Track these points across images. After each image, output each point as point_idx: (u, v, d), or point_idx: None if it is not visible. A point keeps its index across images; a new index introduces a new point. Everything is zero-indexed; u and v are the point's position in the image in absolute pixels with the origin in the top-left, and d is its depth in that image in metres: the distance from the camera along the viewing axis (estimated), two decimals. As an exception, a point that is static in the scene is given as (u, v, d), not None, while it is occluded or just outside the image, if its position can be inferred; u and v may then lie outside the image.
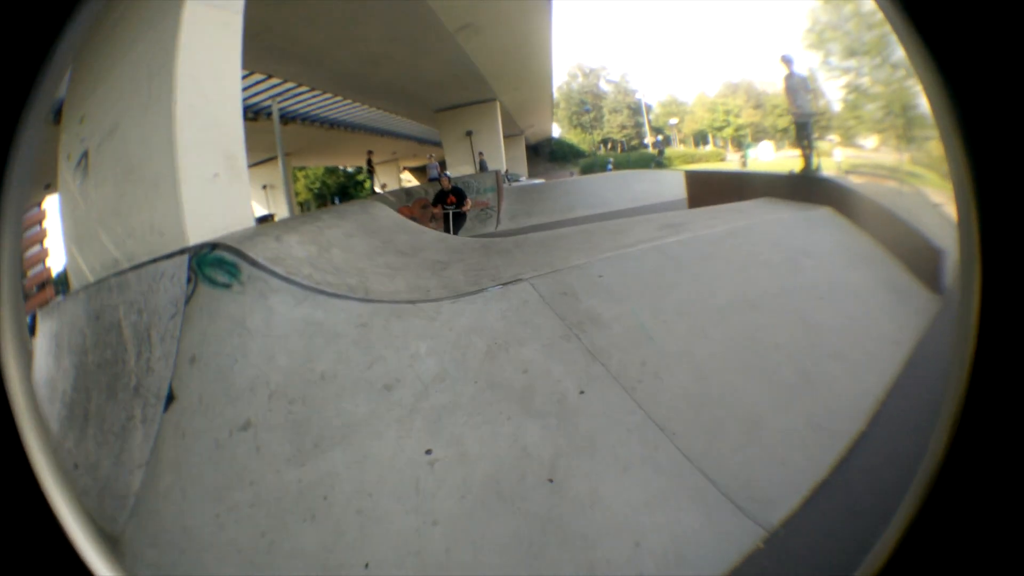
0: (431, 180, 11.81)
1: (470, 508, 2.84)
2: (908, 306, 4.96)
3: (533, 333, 3.66)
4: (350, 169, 16.26)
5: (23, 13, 1.22)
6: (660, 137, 12.93)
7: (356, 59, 10.34)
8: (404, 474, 2.94)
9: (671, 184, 8.79)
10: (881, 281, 5.31)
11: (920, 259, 5.52)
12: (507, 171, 12.54)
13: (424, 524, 2.79)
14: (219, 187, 4.51)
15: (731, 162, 11.29)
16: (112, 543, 3.02)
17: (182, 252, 3.81)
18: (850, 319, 4.53)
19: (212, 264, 3.63)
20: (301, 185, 15.10)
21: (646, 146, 12.89)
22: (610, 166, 12.41)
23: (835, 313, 4.51)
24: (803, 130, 7.26)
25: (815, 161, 7.24)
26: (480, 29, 10.24)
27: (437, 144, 13.62)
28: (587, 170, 14.16)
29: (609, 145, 14.62)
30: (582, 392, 3.35)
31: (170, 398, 3.32)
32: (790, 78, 7.39)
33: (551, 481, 2.93)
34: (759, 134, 11.45)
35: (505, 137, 13.54)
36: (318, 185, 15.76)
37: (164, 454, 3.23)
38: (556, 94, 15.15)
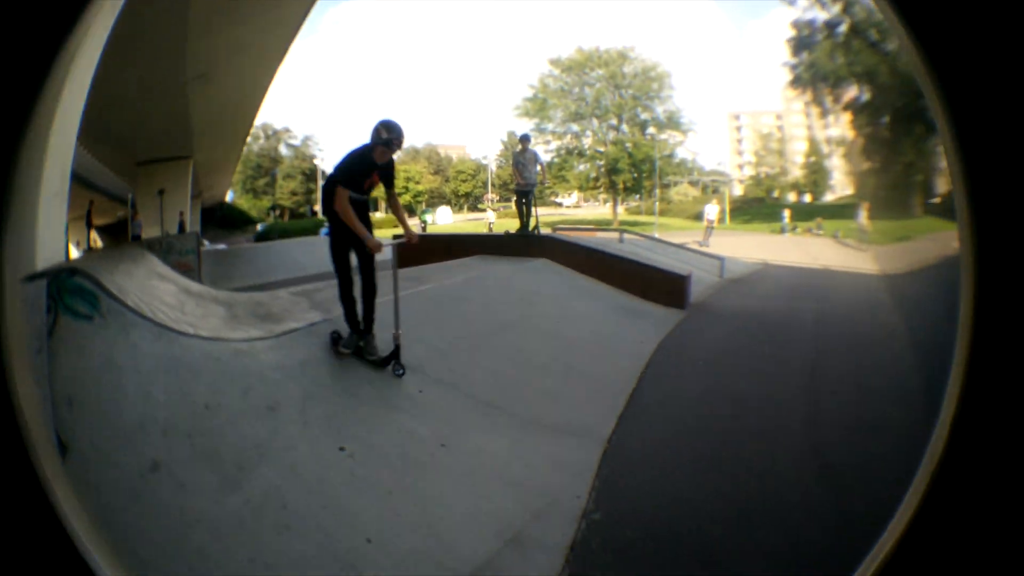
0: (135, 238, 11.01)
1: (399, 477, 3.51)
2: (645, 319, 7.11)
3: (353, 357, 4.53)
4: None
5: (28, 20, 1.27)
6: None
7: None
8: (336, 468, 3.44)
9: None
10: (611, 306, 7.34)
11: (658, 286, 7.79)
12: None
13: (380, 494, 3.35)
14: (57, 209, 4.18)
15: (412, 225, 12.28)
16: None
17: (41, 276, 3.21)
18: (587, 332, 6.51)
19: (72, 292, 3.31)
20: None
21: (314, 213, 12.89)
22: (326, 231, 12.67)
23: (573, 329, 6.37)
24: (524, 197, 8.51)
25: (532, 222, 8.60)
26: (211, 79, 9.98)
27: (123, 201, 12.66)
28: (263, 237, 13.91)
29: (278, 212, 14.37)
30: (420, 391, 4.48)
31: (63, 448, 2.96)
32: (521, 154, 8.52)
33: (443, 446, 3.91)
34: (435, 199, 12.35)
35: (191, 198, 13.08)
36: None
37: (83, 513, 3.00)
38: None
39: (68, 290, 3.24)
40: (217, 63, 9.59)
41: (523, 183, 8.49)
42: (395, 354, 4.55)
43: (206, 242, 13.16)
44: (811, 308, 8.05)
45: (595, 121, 11.34)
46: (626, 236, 10.49)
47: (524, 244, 8.45)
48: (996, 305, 1.22)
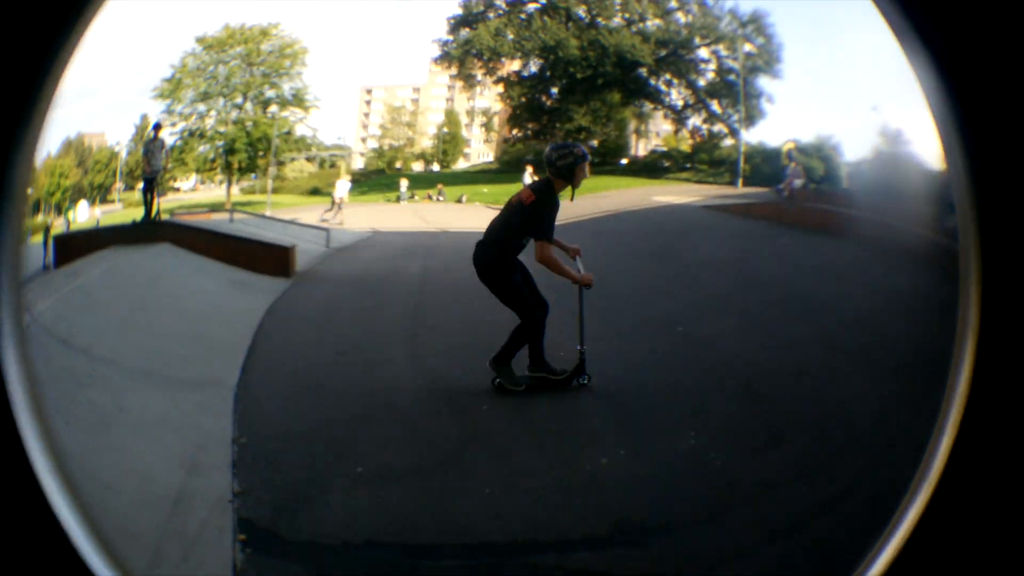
0: None
1: (96, 438, 4.35)
2: (253, 291, 7.95)
3: (51, 348, 5.38)
4: None
5: (25, 14, 1.27)
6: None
7: None
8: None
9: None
10: (224, 281, 8.15)
11: (266, 259, 8.56)
12: None
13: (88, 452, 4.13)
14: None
15: (59, 227, 10.95)
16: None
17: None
18: (208, 304, 7.59)
19: None
20: None
21: None
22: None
23: (195, 304, 7.43)
24: (149, 184, 8.82)
25: (153, 209, 8.96)
26: None
27: None
28: None
29: None
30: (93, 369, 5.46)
31: None
32: (152, 142, 8.78)
33: (120, 410, 4.97)
34: (76, 194, 11.31)
35: None
36: None
37: None
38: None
39: None
40: None
41: (150, 171, 8.84)
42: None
43: None
44: (417, 265, 9.31)
45: (221, 100, 11.16)
46: (236, 215, 10.77)
47: (150, 232, 8.87)
48: (1002, 302, 1.23)
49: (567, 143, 5.69)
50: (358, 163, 12.67)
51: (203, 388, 5.50)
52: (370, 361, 6.08)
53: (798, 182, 8.70)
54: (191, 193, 11.28)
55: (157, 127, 9.15)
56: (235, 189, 11.97)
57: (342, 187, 11.00)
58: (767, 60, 9.99)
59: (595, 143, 10.99)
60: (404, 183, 11.82)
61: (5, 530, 1.30)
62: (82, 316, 6.27)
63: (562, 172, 5.14)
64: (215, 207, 10.97)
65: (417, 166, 12.57)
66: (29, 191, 1.45)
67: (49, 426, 1.41)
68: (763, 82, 10.15)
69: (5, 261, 1.39)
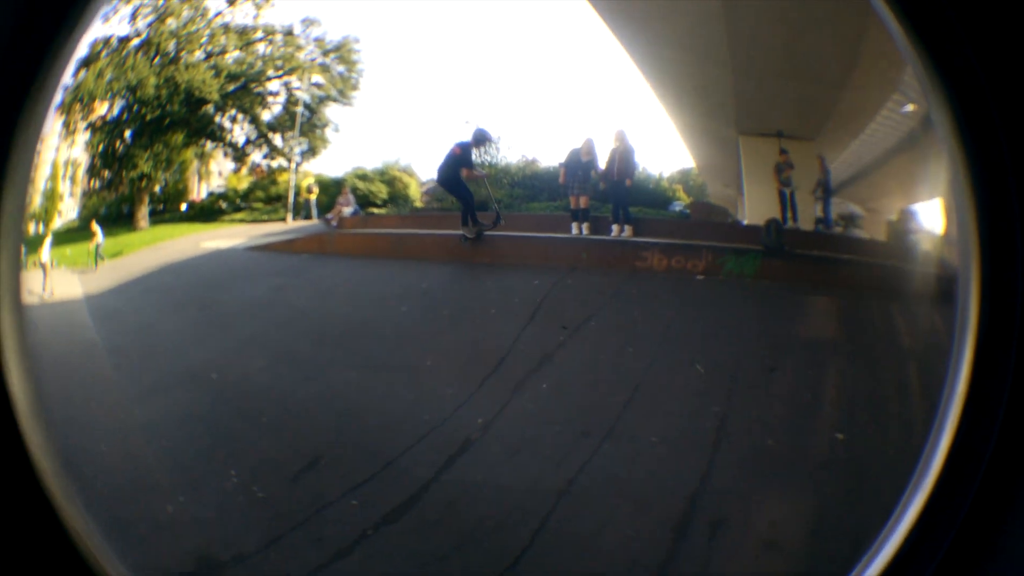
0: None
1: None
2: None
3: None
4: None
5: (24, 11, 1.28)
6: None
7: None
8: None
9: None
10: None
11: None
12: None
13: None
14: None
15: None
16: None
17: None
18: None
19: None
20: None
21: None
22: None
23: None
24: None
25: None
26: None
27: None
28: None
29: None
30: None
31: None
32: None
33: None
34: None
35: None
36: None
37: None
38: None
39: None
40: None
41: None
42: None
43: None
44: None
45: None
46: None
47: None
48: (1001, 302, 1.27)
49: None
50: None
51: None
52: None
53: (347, 209, 8.48)
54: None
55: None
56: None
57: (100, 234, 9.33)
58: (341, 89, 9.80)
59: (156, 189, 10.43)
60: None
61: (5, 530, 1.34)
62: None
63: None
64: None
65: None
66: (29, 188, 1.51)
67: (50, 425, 1.47)
68: (333, 111, 9.93)
69: (4, 259, 1.43)
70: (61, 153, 11.36)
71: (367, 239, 8.34)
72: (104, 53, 10.79)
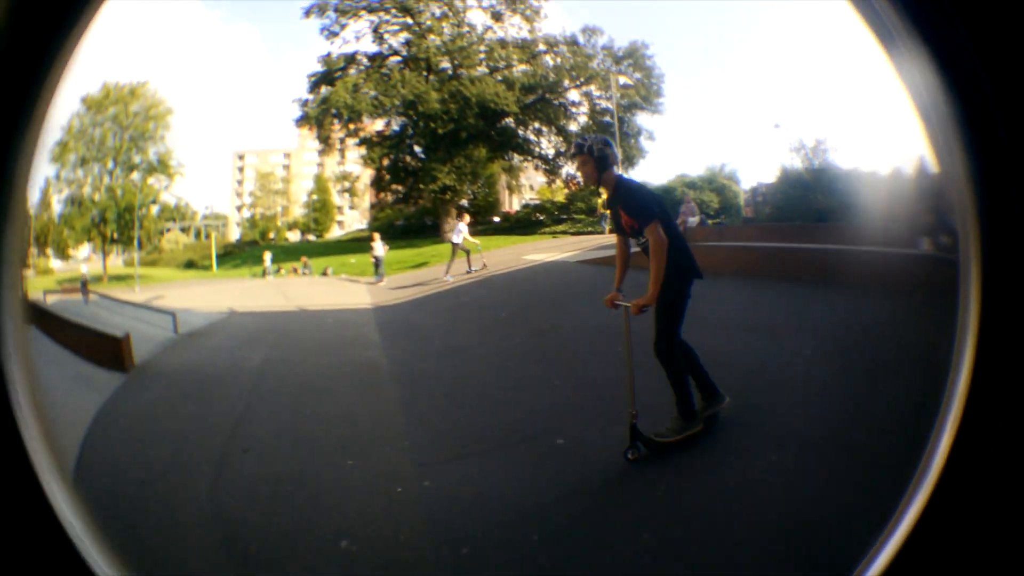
0: None
1: None
2: (88, 387, 7.01)
3: None
4: None
5: (24, 16, 1.29)
6: None
7: None
8: None
9: None
10: (71, 375, 7.20)
11: (101, 351, 7.72)
12: None
13: None
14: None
15: None
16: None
17: None
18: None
19: None
20: None
21: None
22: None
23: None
24: None
25: None
26: None
27: None
28: None
29: None
30: None
31: None
32: None
33: None
34: None
35: None
36: None
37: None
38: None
39: None
40: None
41: None
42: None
43: None
44: (259, 356, 8.40)
45: (96, 166, 10.64)
46: (91, 297, 10.25)
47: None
48: (1001, 303, 1.26)
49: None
50: (235, 233, 12.18)
51: None
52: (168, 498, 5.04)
53: (693, 219, 7.96)
54: (85, 263, 10.84)
55: None
56: (119, 260, 11.45)
57: (379, 247, 10.19)
58: (645, 95, 9.54)
59: (463, 202, 10.64)
60: (268, 256, 11.38)
61: (6, 530, 1.31)
62: None
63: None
64: (93, 280, 10.56)
65: (293, 235, 12.22)
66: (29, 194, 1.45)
67: (50, 426, 1.43)
68: (642, 119, 9.68)
69: (7, 266, 1.39)
70: (326, 167, 11.69)
71: (744, 254, 7.78)
72: (351, 70, 10.96)
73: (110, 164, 10.85)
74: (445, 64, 10.21)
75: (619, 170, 4.90)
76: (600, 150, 4.71)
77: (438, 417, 5.57)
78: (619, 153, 5.16)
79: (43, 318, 8.14)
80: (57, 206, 10.86)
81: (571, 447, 4.80)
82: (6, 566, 1.33)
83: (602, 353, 6.36)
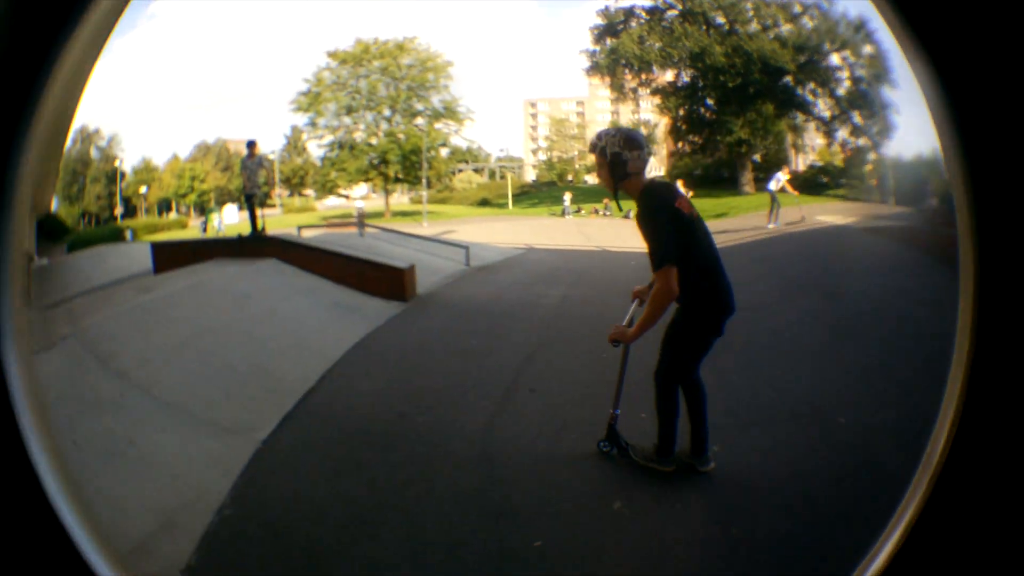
0: None
1: (105, 465, 4.16)
2: (357, 315, 7.31)
3: (87, 367, 5.36)
4: None
5: (25, 16, 1.29)
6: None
7: None
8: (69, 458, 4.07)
9: (138, 256, 9.91)
10: (327, 304, 7.62)
11: (379, 280, 7.97)
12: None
13: (68, 480, 4.34)
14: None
15: (195, 228, 12.04)
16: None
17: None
18: (288, 332, 6.84)
19: None
20: None
21: (114, 218, 12.72)
22: (131, 236, 12.25)
23: (275, 330, 6.71)
24: (251, 200, 9.20)
25: (260, 224, 9.21)
26: None
27: None
28: (73, 247, 13.59)
29: (87, 218, 13.88)
30: (122, 395, 5.11)
31: None
32: (248, 159, 9.17)
33: (131, 442, 4.54)
34: (223, 197, 12.20)
35: None
36: None
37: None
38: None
39: None
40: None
41: (249, 188, 9.22)
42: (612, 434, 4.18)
43: (35, 257, 12.69)
44: (557, 294, 8.03)
45: (368, 114, 11.44)
46: (368, 230, 10.64)
47: (258, 246, 8.92)
48: (998, 301, 1.22)
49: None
50: (530, 175, 12.73)
51: (229, 435, 4.84)
52: (430, 433, 4.74)
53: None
54: (360, 200, 11.76)
55: (251, 145, 9.34)
56: (404, 198, 12.44)
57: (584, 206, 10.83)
58: (880, 68, 9.08)
59: (757, 158, 10.82)
60: (568, 196, 11.55)
61: (6, 530, 1.30)
62: (139, 335, 6.05)
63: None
64: (374, 216, 11.28)
65: (590, 179, 12.38)
66: (30, 196, 1.44)
67: (52, 430, 1.41)
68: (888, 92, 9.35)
69: (9, 269, 1.38)
70: (620, 115, 11.48)
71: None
72: (632, 23, 10.67)
73: (385, 112, 11.66)
74: (720, 20, 10.31)
75: (654, 175, 3.96)
76: (615, 152, 3.78)
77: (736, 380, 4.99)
78: (650, 155, 4.22)
79: (292, 250, 8.85)
80: (316, 150, 12.12)
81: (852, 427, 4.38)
82: (6, 566, 1.31)
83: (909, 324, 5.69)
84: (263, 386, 5.64)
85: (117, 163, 12.61)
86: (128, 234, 12.00)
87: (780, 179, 8.93)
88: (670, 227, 3.64)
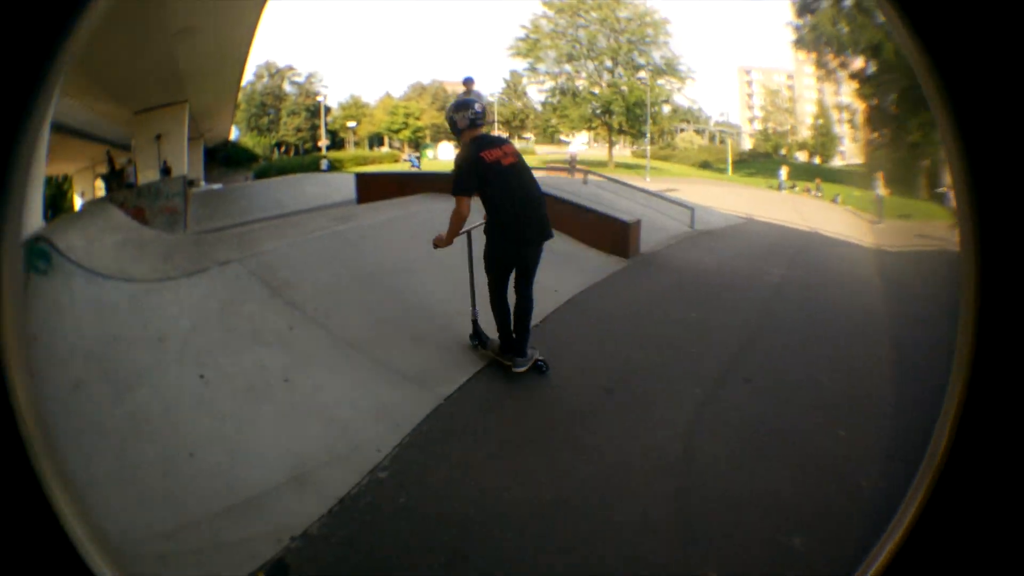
0: (128, 186, 11.68)
1: (241, 405, 4.17)
2: (577, 266, 7.02)
3: (248, 296, 5.21)
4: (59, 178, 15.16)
5: (25, 14, 1.29)
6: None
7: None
8: (191, 393, 4.13)
9: (340, 186, 10.06)
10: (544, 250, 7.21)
11: (604, 234, 7.59)
12: (188, 177, 12.62)
13: (217, 421, 3.99)
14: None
15: (406, 163, 12.16)
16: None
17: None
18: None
19: (38, 254, 4.33)
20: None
21: (317, 149, 13.01)
22: (326, 165, 12.72)
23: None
24: None
25: None
26: (195, 32, 10.46)
27: (126, 148, 13.40)
28: (262, 174, 14.19)
29: (283, 148, 14.67)
30: (291, 328, 4.98)
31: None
32: (464, 95, 8.64)
33: (287, 381, 4.42)
34: (439, 135, 12.37)
35: (188, 140, 13.55)
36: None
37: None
38: (240, 95, 15.22)
39: (35, 254, 4.30)
40: (200, 14, 9.99)
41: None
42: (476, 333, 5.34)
43: (203, 183, 13.52)
44: (778, 273, 7.62)
45: (589, 63, 11.38)
46: (593, 178, 10.39)
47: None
48: (1000, 302, 1.23)
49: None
50: (746, 143, 12.34)
51: (407, 385, 4.66)
52: (632, 419, 4.41)
53: None
54: (581, 146, 11.93)
55: (468, 81, 9.05)
56: (626, 151, 12.30)
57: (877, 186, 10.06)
58: None
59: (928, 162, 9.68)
60: (784, 171, 11.22)
61: (6, 531, 1.31)
62: (323, 265, 5.96)
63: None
64: (597, 165, 11.35)
65: (800, 155, 11.83)
66: (28, 191, 1.46)
67: (50, 426, 1.42)
68: None
69: (6, 260, 1.40)
70: (825, 93, 10.73)
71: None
72: (823, 2, 9.81)
73: (607, 62, 11.54)
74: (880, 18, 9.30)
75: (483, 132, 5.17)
76: (449, 117, 5.18)
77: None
78: (470, 119, 5.08)
79: None
80: (536, 95, 12.10)
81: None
82: (6, 566, 1.30)
83: None
84: (455, 337, 5.40)
85: (320, 98, 13.25)
86: (323, 164, 12.55)
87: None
88: (465, 167, 4.94)
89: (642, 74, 11.40)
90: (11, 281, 1.42)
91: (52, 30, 1.33)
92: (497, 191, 4.91)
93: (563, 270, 6.73)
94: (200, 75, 11.98)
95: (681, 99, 11.62)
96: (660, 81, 11.46)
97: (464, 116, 5.07)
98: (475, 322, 5.30)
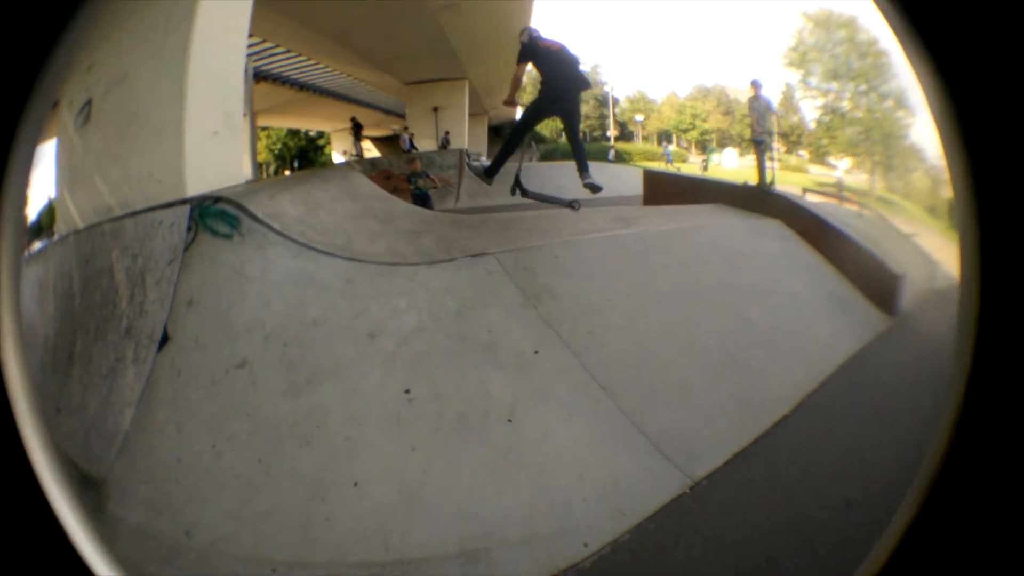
0: (405, 151, 12.57)
1: (444, 437, 3.63)
2: (849, 317, 5.94)
3: (496, 299, 4.54)
4: (312, 133, 16.66)
5: (25, 10, 1.29)
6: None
7: (338, 24, 10.85)
8: (387, 407, 3.68)
9: (627, 179, 9.61)
10: (823, 292, 6.20)
11: (873, 281, 6.46)
12: (468, 151, 12.90)
13: (404, 450, 3.54)
14: (218, 142, 4.94)
15: (692, 164, 12.03)
16: (97, 491, 3.35)
17: (184, 202, 4.27)
18: (782, 318, 5.47)
19: (215, 216, 4.15)
20: (262, 144, 15.34)
21: (607, 138, 13.07)
22: (611, 155, 12.57)
23: (767, 311, 5.38)
24: (760, 147, 8.62)
25: (769, 176, 8.47)
26: (461, 10, 10.80)
27: (400, 116, 14.02)
28: (546, 157, 14.57)
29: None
30: (536, 352, 4.26)
31: (164, 339, 3.79)
32: (755, 100, 8.73)
33: (510, 421, 3.79)
34: (724, 140, 12.17)
35: (469, 116, 13.90)
36: (279, 146, 16.13)
37: (158, 392, 3.65)
38: (525, 78, 15.57)
39: (210, 214, 4.17)
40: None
41: (758, 131, 8.60)
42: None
43: (482, 158, 14.20)
44: None
45: (850, 83, 10.98)
46: (867, 212, 9.68)
47: (762, 200, 7.83)
48: (999, 302, 1.24)
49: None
50: None
51: (649, 455, 3.85)
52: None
53: None
54: (844, 175, 11.28)
55: (756, 84, 9.04)
56: (882, 182, 11.22)
57: None
58: None
59: None
60: None
61: (6, 531, 1.35)
62: (591, 274, 5.16)
63: None
64: (863, 196, 10.64)
65: None
66: (28, 190, 1.54)
67: (48, 425, 1.47)
68: None
69: (4, 260, 1.45)
70: None
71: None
72: None
73: (860, 86, 10.78)
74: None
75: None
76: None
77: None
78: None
79: (800, 216, 7.32)
80: (810, 112, 11.45)
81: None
82: (6, 566, 1.31)
83: None
84: (732, 391, 4.46)
85: (607, 88, 13.54)
86: (610, 154, 12.77)
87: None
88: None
89: (887, 103, 10.47)
90: (8, 279, 1.45)
91: (52, 26, 1.34)
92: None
93: (838, 321, 5.86)
94: (474, 53, 12.82)
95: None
96: (899, 114, 10.33)
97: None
98: (517, 176, 6.77)
